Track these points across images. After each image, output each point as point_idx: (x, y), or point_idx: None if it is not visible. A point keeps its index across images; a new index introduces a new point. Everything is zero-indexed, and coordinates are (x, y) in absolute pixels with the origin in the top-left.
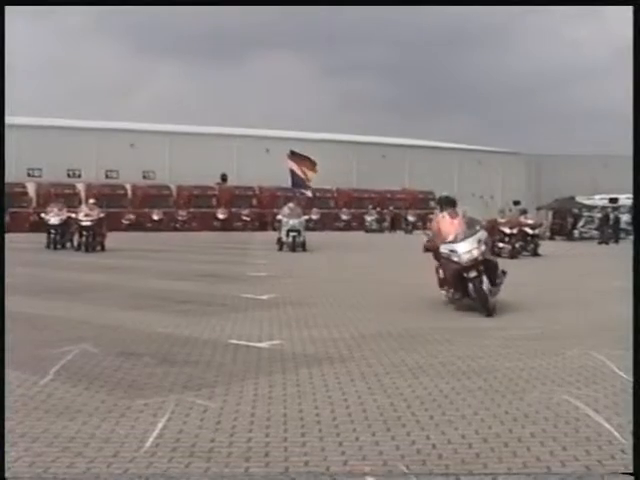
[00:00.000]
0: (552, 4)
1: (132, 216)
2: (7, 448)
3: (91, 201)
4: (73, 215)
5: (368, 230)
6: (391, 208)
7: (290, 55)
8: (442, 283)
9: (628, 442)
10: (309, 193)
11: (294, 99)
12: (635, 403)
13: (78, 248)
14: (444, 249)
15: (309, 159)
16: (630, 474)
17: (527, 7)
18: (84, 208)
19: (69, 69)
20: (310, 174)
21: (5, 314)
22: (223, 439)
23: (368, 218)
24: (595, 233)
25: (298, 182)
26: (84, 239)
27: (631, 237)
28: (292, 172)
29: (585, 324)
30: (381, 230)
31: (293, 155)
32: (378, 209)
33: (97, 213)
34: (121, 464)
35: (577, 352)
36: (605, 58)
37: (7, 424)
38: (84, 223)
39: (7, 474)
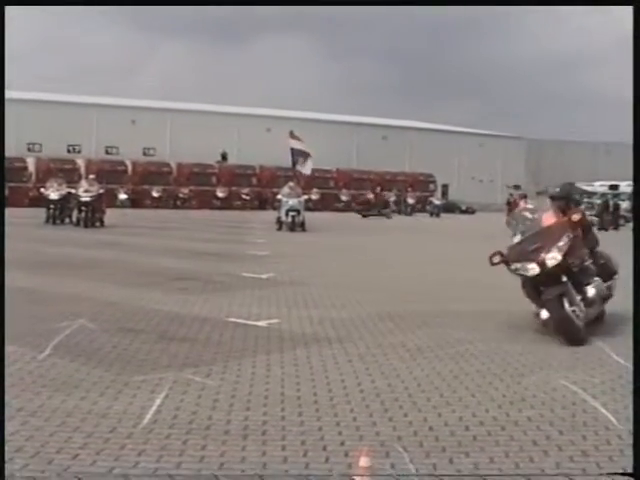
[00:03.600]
0: (552, 4)
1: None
2: (5, 422)
3: (91, 177)
4: (73, 190)
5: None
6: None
7: (295, 36)
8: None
9: None
10: (308, 167)
11: (297, 80)
12: (635, 403)
13: (77, 224)
14: None
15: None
16: (630, 474)
17: None
18: (84, 184)
19: (72, 45)
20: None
21: (5, 294)
22: (220, 417)
23: (390, 200)
24: (595, 219)
25: (299, 154)
26: (83, 215)
27: (630, 224)
28: (292, 150)
29: None
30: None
31: (294, 135)
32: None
33: (97, 189)
34: (118, 439)
35: None
36: (609, 44)
37: (5, 397)
38: (83, 199)
39: (7, 473)
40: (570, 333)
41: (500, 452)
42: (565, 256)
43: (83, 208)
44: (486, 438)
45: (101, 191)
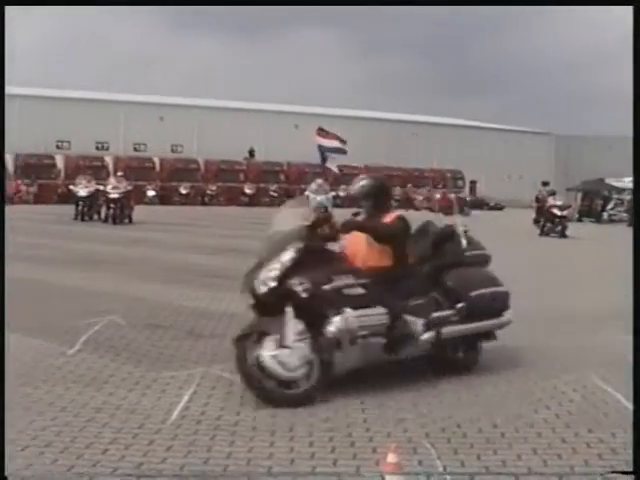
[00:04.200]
0: (552, 4)
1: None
2: (35, 416)
3: (119, 174)
4: (101, 187)
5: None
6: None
7: (323, 32)
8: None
9: None
10: (334, 168)
11: (325, 76)
12: (635, 403)
13: (105, 220)
14: None
15: (338, 137)
16: (630, 473)
17: None
18: (112, 180)
19: (100, 42)
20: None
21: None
22: (248, 413)
23: (419, 197)
24: (624, 216)
25: (333, 150)
26: (111, 211)
27: None
28: (321, 147)
29: None
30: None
31: (322, 132)
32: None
33: (125, 186)
34: (146, 435)
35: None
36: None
37: (35, 393)
38: (112, 195)
39: (7, 472)
40: (264, 397)
41: (528, 449)
42: (286, 278)
43: (111, 205)
44: (514, 435)
45: (129, 188)
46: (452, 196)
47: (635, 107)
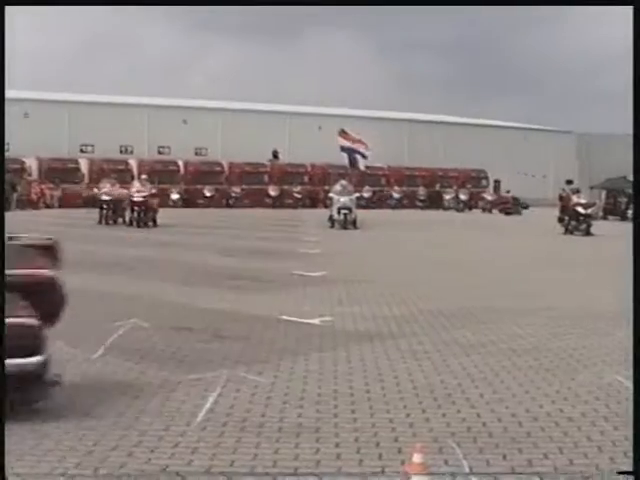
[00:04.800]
0: (553, 4)
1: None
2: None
3: (143, 177)
4: (125, 191)
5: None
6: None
7: (345, 33)
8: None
9: None
10: (361, 166)
11: (348, 77)
12: (635, 404)
13: (130, 224)
14: None
15: (360, 140)
16: (630, 473)
17: None
18: (136, 184)
19: (124, 46)
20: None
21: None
22: (274, 414)
23: (447, 197)
24: None
25: (354, 156)
26: (136, 215)
27: None
28: (343, 148)
29: None
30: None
31: (344, 133)
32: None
33: (149, 189)
34: (172, 437)
35: None
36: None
37: (59, 396)
38: (136, 199)
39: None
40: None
41: (554, 448)
42: None
43: (136, 208)
44: (539, 434)
45: (153, 191)
46: (510, 196)
47: (635, 107)
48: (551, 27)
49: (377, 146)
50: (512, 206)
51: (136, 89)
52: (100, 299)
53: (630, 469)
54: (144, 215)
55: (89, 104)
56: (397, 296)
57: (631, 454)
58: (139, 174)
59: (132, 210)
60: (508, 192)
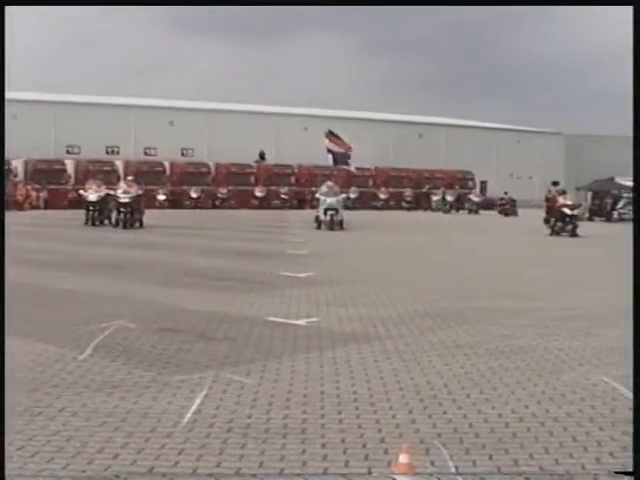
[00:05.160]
0: (553, 4)
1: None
2: (46, 422)
3: (129, 178)
4: (112, 192)
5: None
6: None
7: (331, 35)
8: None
9: None
10: (351, 167)
11: (334, 78)
12: (635, 403)
13: (116, 225)
14: None
15: (344, 142)
16: (630, 473)
17: None
18: (122, 185)
19: (109, 46)
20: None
21: (5, 310)
22: (260, 415)
23: (434, 198)
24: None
25: (340, 158)
26: (122, 216)
27: None
28: (329, 150)
29: None
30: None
31: (330, 135)
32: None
33: (136, 190)
34: (158, 439)
35: None
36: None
37: (45, 398)
38: (123, 200)
39: (8, 472)
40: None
41: (540, 448)
42: None
43: (122, 209)
44: (525, 434)
45: (140, 192)
46: (508, 197)
47: (635, 107)
48: (539, 28)
49: (364, 147)
50: (510, 207)
51: (122, 90)
52: (86, 300)
53: (615, 468)
54: (130, 216)
55: (75, 105)
56: (383, 297)
57: (617, 454)
58: (125, 175)
59: (118, 211)
60: (506, 193)
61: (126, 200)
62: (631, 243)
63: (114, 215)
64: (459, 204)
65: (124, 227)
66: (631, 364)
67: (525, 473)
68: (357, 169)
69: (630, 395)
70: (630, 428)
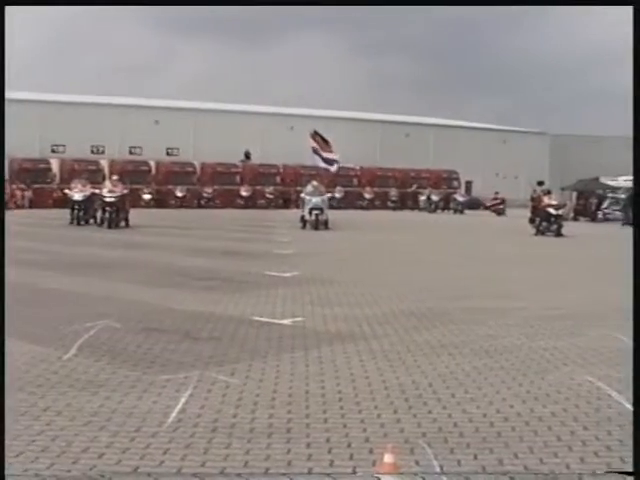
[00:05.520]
0: (552, 4)
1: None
2: (30, 421)
3: (114, 177)
4: (97, 191)
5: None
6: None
7: (317, 35)
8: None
9: None
10: (334, 168)
11: (320, 78)
12: (635, 403)
13: (101, 224)
14: None
15: (330, 147)
16: (630, 473)
17: None
18: (108, 184)
19: (94, 46)
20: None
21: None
22: (245, 415)
23: (422, 198)
24: (619, 214)
25: (327, 160)
26: (107, 215)
27: None
28: (315, 150)
29: None
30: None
31: (316, 136)
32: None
33: (121, 189)
34: (143, 438)
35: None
36: (631, 40)
37: (30, 398)
38: (108, 199)
39: (8, 472)
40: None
41: (524, 447)
42: None
43: (107, 209)
44: (510, 434)
45: (125, 191)
46: (501, 197)
47: (635, 107)
48: (523, 30)
49: (349, 147)
50: (502, 207)
51: (108, 89)
52: (72, 300)
53: (599, 468)
54: (116, 216)
55: (60, 104)
56: (369, 296)
57: (601, 453)
58: (111, 174)
59: (104, 210)
60: (497, 193)
61: (112, 199)
62: (615, 244)
63: (99, 214)
64: (444, 204)
65: (109, 227)
66: (616, 364)
67: (510, 472)
68: (342, 168)
69: (614, 394)
70: (614, 427)
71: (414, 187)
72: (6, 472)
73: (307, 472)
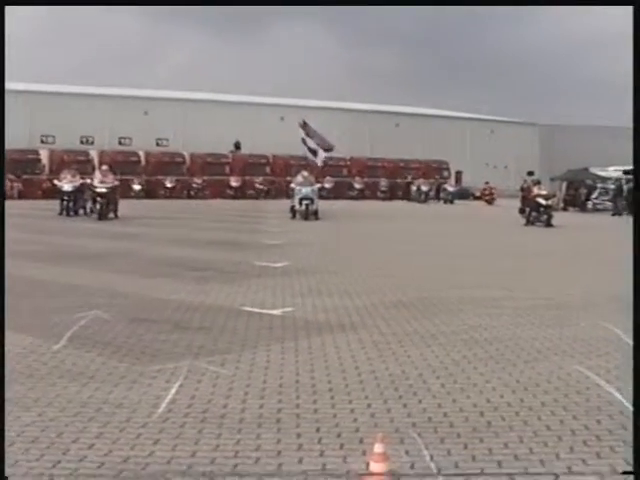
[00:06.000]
0: (552, 4)
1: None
2: (20, 412)
3: (104, 167)
4: (88, 181)
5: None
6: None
7: (307, 25)
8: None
9: None
10: (320, 159)
11: (310, 69)
12: (635, 403)
13: (91, 215)
14: None
15: (322, 138)
16: (630, 473)
17: None
18: (98, 174)
19: (84, 36)
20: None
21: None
22: (235, 405)
23: (413, 188)
24: (609, 205)
25: (311, 150)
26: (98, 206)
27: None
28: (305, 140)
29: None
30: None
31: (305, 126)
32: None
33: (112, 180)
34: (134, 429)
35: None
36: (619, 28)
37: (20, 389)
38: (99, 190)
39: (8, 472)
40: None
41: (514, 437)
42: None
43: (98, 199)
44: (500, 423)
45: (116, 182)
46: (493, 187)
47: (635, 107)
48: (512, 21)
49: (339, 137)
50: (493, 196)
51: (97, 80)
52: (62, 291)
53: (588, 457)
54: (106, 206)
55: (49, 94)
56: (358, 287)
57: (591, 443)
58: (100, 165)
59: (94, 201)
60: (487, 183)
61: (103, 190)
62: (604, 233)
63: (89, 205)
64: (435, 194)
65: (99, 218)
66: (604, 354)
67: (510, 473)
68: (332, 159)
69: (602, 382)
70: (604, 417)
71: (410, 178)
72: (6, 472)
73: (297, 462)
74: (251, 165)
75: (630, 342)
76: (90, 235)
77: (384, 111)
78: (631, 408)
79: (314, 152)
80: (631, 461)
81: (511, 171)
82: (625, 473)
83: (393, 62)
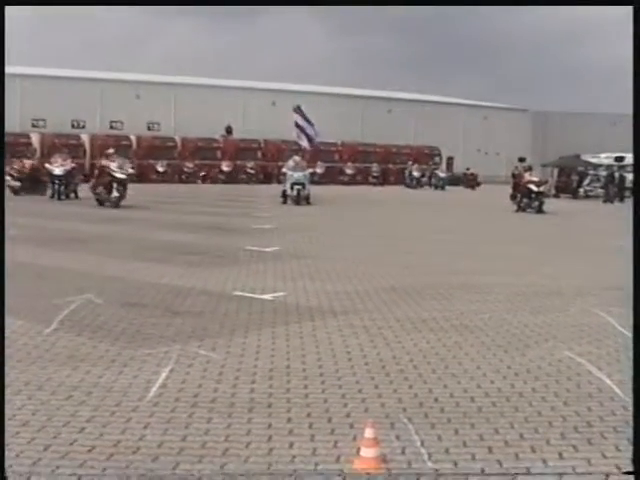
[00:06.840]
0: (552, 4)
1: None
2: (11, 396)
3: (110, 151)
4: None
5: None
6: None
7: (299, 10)
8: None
9: None
10: (305, 144)
11: (302, 54)
12: (635, 402)
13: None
14: None
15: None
16: (630, 473)
17: None
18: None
19: (77, 20)
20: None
21: (5, 293)
22: (226, 389)
23: (407, 173)
24: (600, 191)
25: (313, 132)
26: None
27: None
28: (298, 124)
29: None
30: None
31: (298, 110)
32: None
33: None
34: (124, 413)
35: None
36: (614, 15)
37: (10, 372)
38: (119, 175)
39: (7, 469)
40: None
41: (505, 423)
42: None
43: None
44: (491, 409)
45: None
46: (475, 173)
47: (635, 108)
48: (505, 6)
49: (331, 122)
50: (475, 181)
51: (89, 63)
52: (52, 275)
53: (579, 443)
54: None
55: (41, 78)
56: (350, 272)
57: (582, 429)
58: (91, 149)
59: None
60: (468, 169)
61: (122, 176)
62: (595, 219)
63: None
64: (426, 180)
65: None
66: (596, 339)
67: (510, 473)
68: (323, 144)
69: (593, 369)
70: (594, 404)
71: (408, 164)
72: (6, 472)
73: (288, 447)
74: (242, 150)
75: (622, 330)
76: (80, 219)
77: (376, 96)
78: (622, 395)
79: (308, 137)
80: (621, 447)
81: (503, 157)
82: (625, 473)
83: (386, 47)
